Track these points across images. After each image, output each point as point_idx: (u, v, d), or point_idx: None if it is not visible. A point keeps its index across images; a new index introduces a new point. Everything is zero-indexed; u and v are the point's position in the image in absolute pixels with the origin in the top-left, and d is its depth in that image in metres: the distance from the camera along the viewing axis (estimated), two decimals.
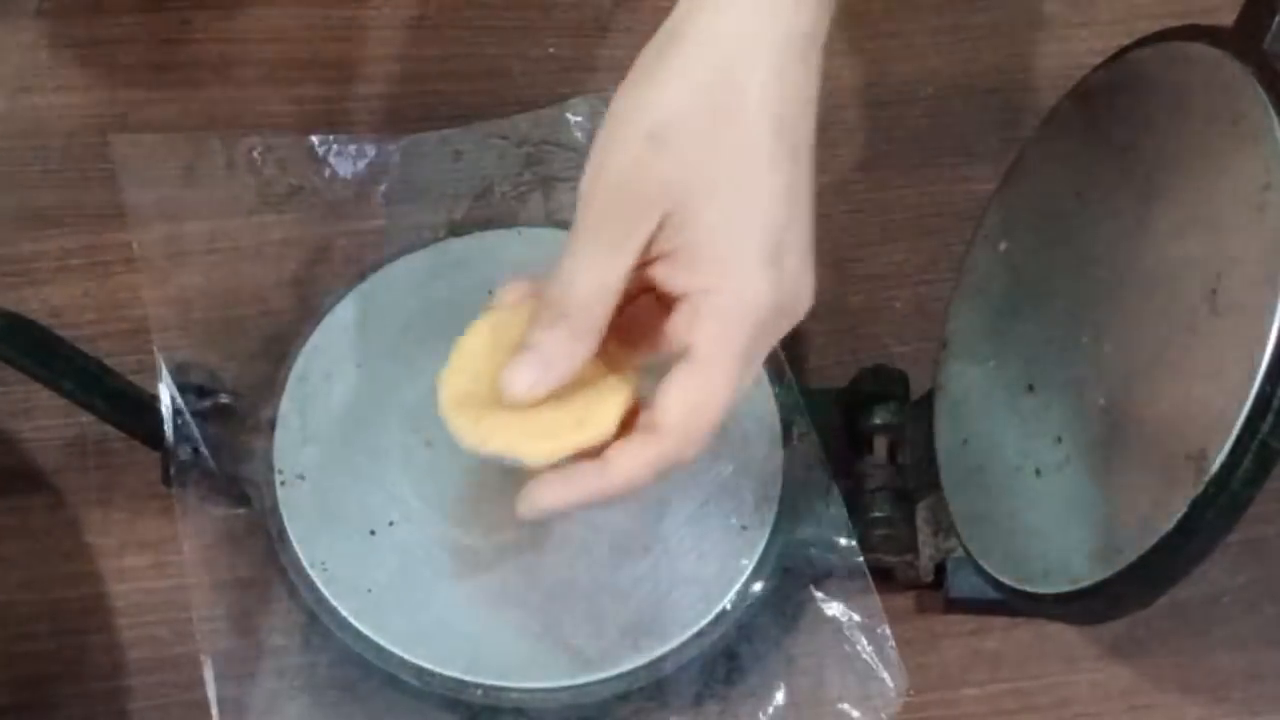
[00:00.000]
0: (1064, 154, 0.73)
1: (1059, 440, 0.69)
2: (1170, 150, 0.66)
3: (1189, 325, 0.62)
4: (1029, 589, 0.68)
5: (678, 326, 0.62)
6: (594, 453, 0.64)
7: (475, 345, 0.69)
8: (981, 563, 0.72)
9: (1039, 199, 0.74)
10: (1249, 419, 0.58)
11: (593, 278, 0.62)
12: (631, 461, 0.63)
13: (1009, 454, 0.72)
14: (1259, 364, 0.58)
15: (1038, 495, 0.69)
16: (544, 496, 0.64)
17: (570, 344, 0.63)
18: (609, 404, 0.65)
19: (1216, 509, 0.59)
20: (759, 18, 0.61)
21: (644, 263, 0.62)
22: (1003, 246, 0.75)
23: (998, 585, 0.71)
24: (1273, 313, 0.58)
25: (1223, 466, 0.59)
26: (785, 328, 0.63)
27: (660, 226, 0.61)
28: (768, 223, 0.61)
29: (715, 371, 0.61)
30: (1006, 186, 0.77)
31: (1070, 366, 0.69)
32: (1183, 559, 0.61)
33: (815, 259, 0.63)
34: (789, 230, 0.61)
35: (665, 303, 0.63)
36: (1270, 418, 0.58)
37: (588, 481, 0.64)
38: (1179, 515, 0.60)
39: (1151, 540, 0.61)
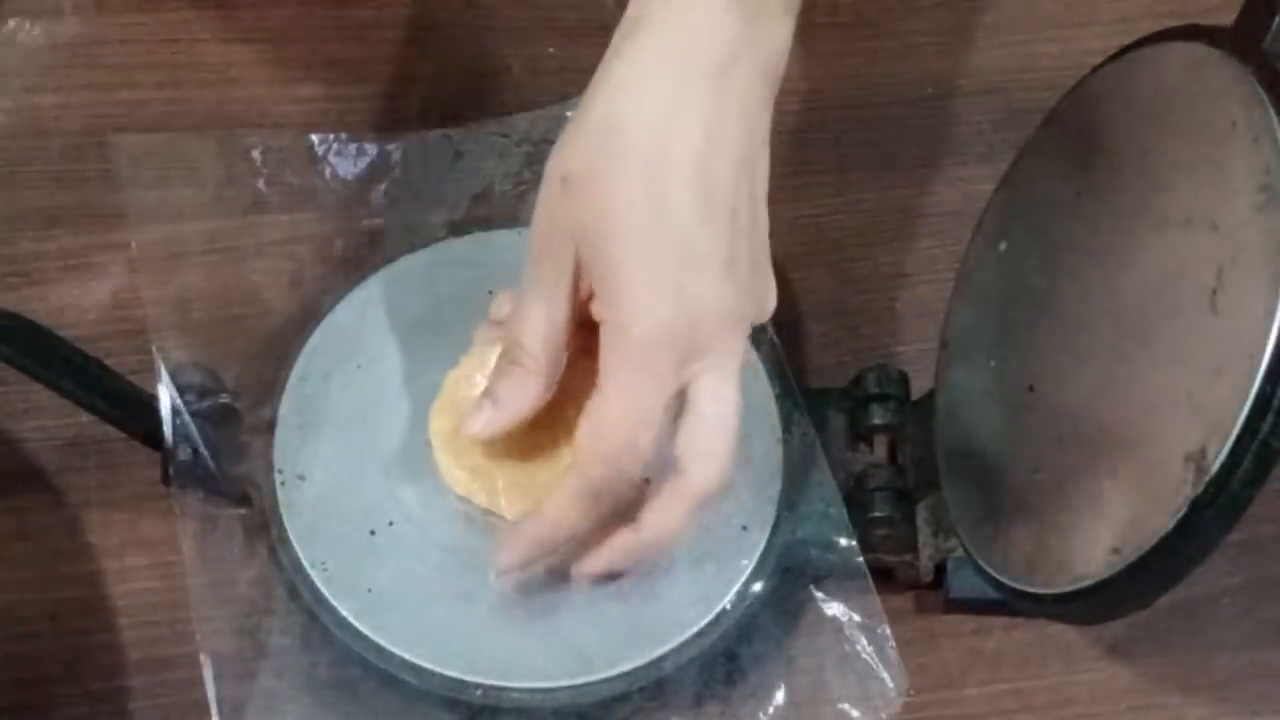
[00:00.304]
0: (1064, 154, 0.73)
1: (1059, 440, 0.69)
2: (1170, 150, 0.66)
3: (1189, 325, 0.62)
4: (1029, 589, 0.68)
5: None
6: None
7: (460, 384, 0.74)
8: (981, 563, 0.72)
9: (1039, 199, 0.74)
10: (1249, 419, 0.58)
11: (534, 321, 0.66)
12: (558, 496, 0.67)
13: (1009, 454, 0.72)
14: (1259, 364, 0.58)
15: (1038, 495, 0.69)
16: (502, 559, 0.70)
17: (520, 385, 0.67)
18: None
19: (1216, 509, 0.59)
20: (662, 64, 0.64)
21: (584, 301, 0.66)
22: (1003, 246, 0.75)
23: (998, 585, 0.70)
24: (1273, 313, 0.58)
25: (1223, 467, 0.59)
26: (716, 343, 0.65)
27: (578, 266, 0.64)
28: (664, 251, 0.63)
29: (612, 396, 0.64)
30: (1006, 186, 0.77)
31: (1070, 366, 0.69)
32: (1182, 559, 0.61)
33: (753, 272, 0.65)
34: (691, 254, 0.63)
35: None
36: (1270, 418, 0.58)
37: (528, 530, 0.69)
38: (1179, 515, 0.60)
39: (1151, 540, 0.61)
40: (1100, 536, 0.64)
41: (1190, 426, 0.61)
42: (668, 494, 0.67)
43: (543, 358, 0.67)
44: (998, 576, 0.70)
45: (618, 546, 0.69)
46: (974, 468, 0.73)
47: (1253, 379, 0.58)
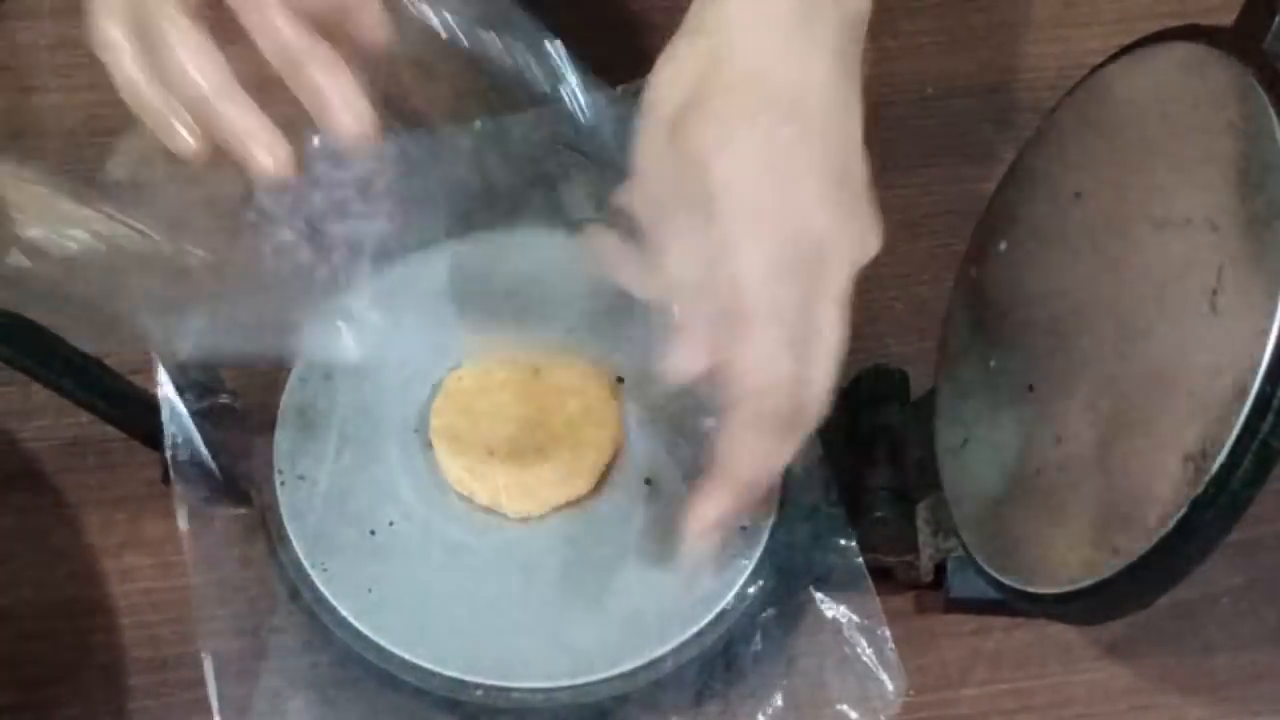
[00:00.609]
0: (1064, 154, 0.73)
1: (1059, 440, 0.69)
2: (1170, 150, 0.66)
3: (1189, 325, 0.62)
4: (1029, 589, 0.68)
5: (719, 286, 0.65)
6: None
7: (466, 381, 0.75)
8: (981, 563, 0.72)
9: (1039, 199, 0.74)
10: (1249, 419, 0.58)
11: (680, 256, 0.65)
12: (736, 447, 0.66)
13: (1009, 454, 0.72)
14: (1259, 364, 0.58)
15: (1038, 495, 0.69)
16: (707, 511, 0.68)
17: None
18: (588, 463, 0.72)
19: (1216, 509, 0.59)
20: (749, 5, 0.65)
21: None
22: (1003, 246, 0.75)
23: (998, 585, 0.70)
24: (1273, 313, 0.58)
25: (1222, 467, 0.59)
26: (824, 270, 0.65)
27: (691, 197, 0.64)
28: (770, 174, 0.64)
29: (758, 326, 0.64)
30: (1006, 186, 0.77)
31: (1070, 366, 0.69)
32: (1182, 559, 0.61)
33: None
34: (793, 179, 0.64)
35: None
36: (1270, 418, 0.58)
37: (727, 483, 0.67)
38: (1179, 516, 0.60)
39: (1151, 540, 0.61)
40: (1100, 536, 0.64)
41: (1190, 426, 0.61)
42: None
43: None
44: (998, 576, 0.70)
45: (712, 503, 0.68)
46: (974, 468, 0.73)
47: (1253, 379, 0.58)
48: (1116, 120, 0.70)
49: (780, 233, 0.64)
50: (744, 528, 0.74)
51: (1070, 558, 0.66)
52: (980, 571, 0.72)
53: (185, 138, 0.64)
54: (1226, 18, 0.66)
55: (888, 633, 0.73)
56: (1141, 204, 0.66)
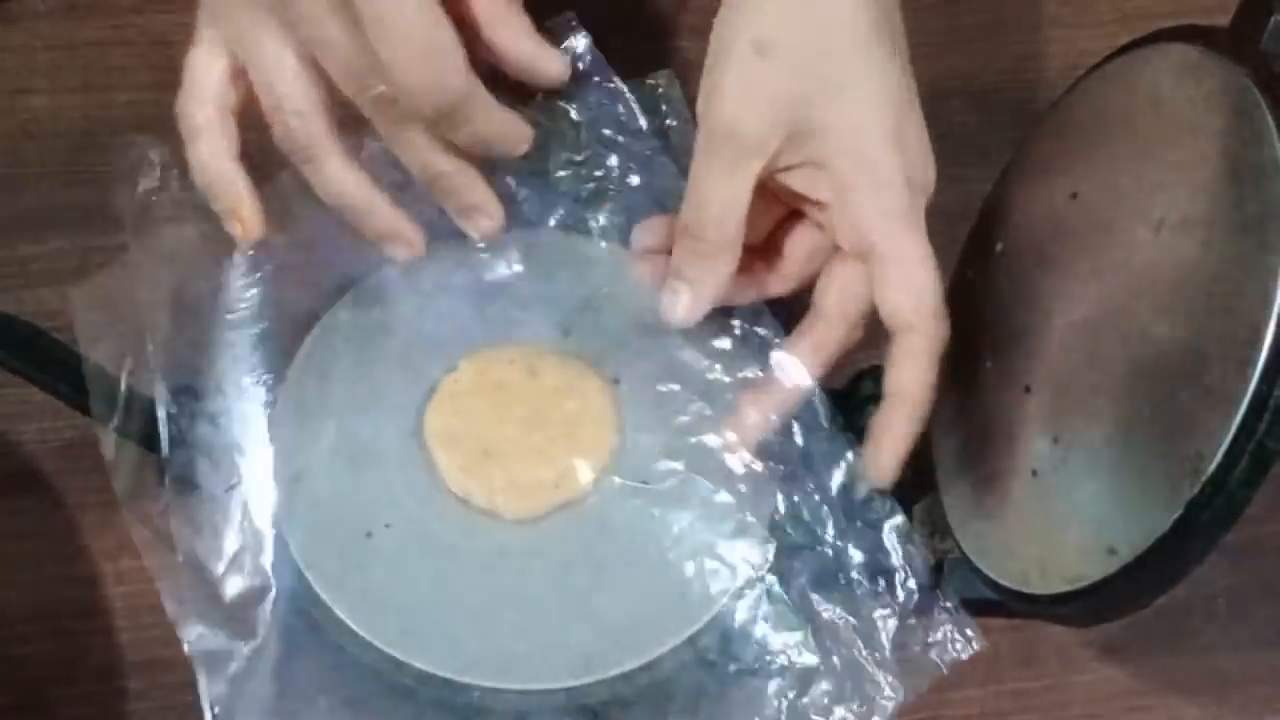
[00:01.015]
0: (1060, 154, 0.73)
1: (1056, 440, 0.69)
2: (1167, 150, 0.66)
3: (1184, 325, 0.62)
4: (1026, 590, 0.68)
5: (838, 228, 0.69)
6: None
7: (463, 382, 0.75)
8: (978, 563, 0.71)
9: (1035, 199, 0.74)
10: (1245, 419, 0.58)
11: (721, 196, 0.67)
12: (917, 374, 0.69)
13: (1006, 454, 0.72)
14: (1254, 364, 0.58)
15: (1035, 496, 0.69)
16: (886, 456, 0.71)
17: (712, 263, 0.69)
18: (585, 466, 0.73)
19: (1213, 510, 0.59)
20: None
21: (769, 174, 0.68)
22: (999, 247, 0.75)
23: (995, 586, 0.70)
24: (1269, 313, 0.58)
25: (1219, 467, 0.59)
26: (921, 204, 0.69)
27: (787, 138, 0.66)
28: (888, 112, 0.67)
29: (912, 259, 0.68)
30: (1002, 187, 0.77)
31: (1068, 366, 0.69)
32: (1179, 560, 0.61)
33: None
34: (905, 108, 0.68)
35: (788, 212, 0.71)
36: (1267, 417, 0.58)
37: (906, 420, 0.70)
38: (1175, 516, 0.60)
39: (1148, 541, 0.61)
40: (1097, 537, 0.64)
41: (1186, 427, 0.60)
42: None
43: (732, 231, 0.68)
44: (994, 578, 0.70)
45: (898, 433, 0.70)
46: (970, 468, 0.73)
47: (1248, 379, 0.58)
48: (1113, 121, 0.70)
49: (904, 164, 0.68)
50: (744, 527, 0.74)
51: (1067, 558, 0.66)
52: (977, 572, 0.72)
53: (240, 230, 0.73)
54: (1224, 18, 0.65)
55: (886, 634, 0.73)
56: (1138, 205, 0.66)
